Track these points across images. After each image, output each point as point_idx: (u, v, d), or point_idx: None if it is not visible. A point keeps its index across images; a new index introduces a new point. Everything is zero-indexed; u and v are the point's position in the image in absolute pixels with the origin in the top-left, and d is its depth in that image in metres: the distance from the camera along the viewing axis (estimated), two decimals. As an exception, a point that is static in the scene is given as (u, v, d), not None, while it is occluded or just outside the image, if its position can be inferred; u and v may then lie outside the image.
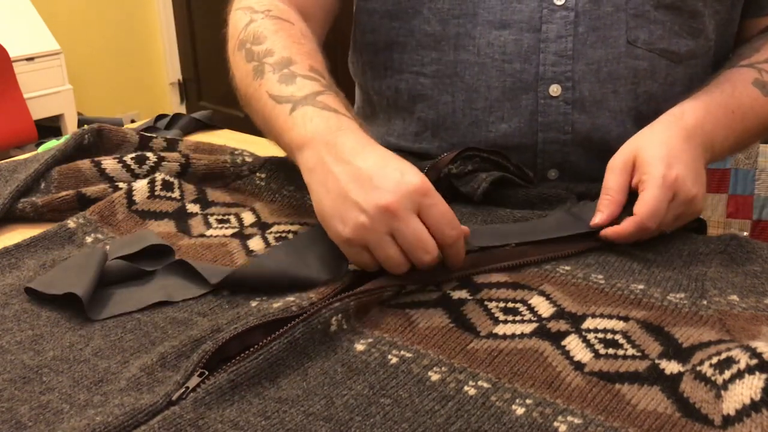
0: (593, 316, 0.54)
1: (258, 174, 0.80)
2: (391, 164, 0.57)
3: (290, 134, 0.64)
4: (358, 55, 0.90)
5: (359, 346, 0.51)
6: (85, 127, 0.84)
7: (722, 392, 0.44)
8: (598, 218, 0.65)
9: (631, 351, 0.50)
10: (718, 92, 0.73)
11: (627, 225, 0.63)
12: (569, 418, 0.44)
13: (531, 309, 0.55)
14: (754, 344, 0.46)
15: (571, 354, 0.50)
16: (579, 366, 0.49)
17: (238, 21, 0.78)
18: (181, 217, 0.73)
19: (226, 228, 0.71)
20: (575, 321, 0.54)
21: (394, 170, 0.56)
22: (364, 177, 0.56)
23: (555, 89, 0.76)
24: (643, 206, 0.63)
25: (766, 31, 0.81)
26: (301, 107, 0.64)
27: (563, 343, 0.51)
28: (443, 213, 0.56)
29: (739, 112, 0.72)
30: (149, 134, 0.88)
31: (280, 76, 0.68)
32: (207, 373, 0.47)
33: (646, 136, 0.68)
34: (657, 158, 0.64)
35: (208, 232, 0.71)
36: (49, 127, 2.72)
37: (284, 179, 0.79)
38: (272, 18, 0.76)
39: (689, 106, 0.71)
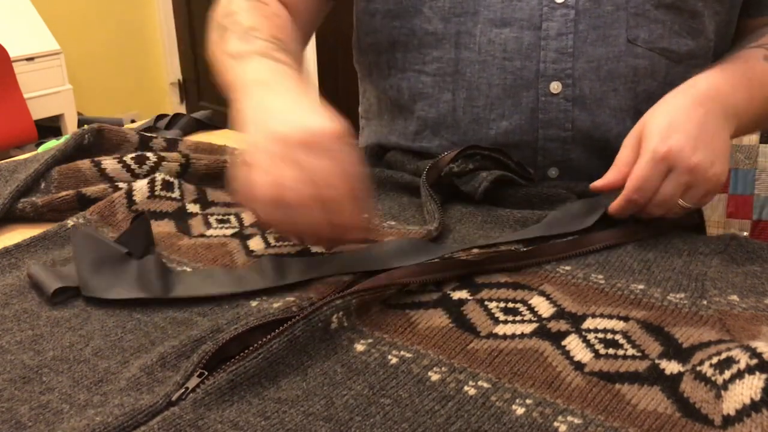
0: (593, 316, 0.54)
1: (258, 174, 0.80)
2: (267, 144, 0.56)
3: (230, 78, 0.67)
4: (364, 55, 0.90)
5: (359, 346, 0.51)
6: (85, 127, 0.84)
7: (722, 392, 0.44)
8: (598, 182, 0.67)
9: (631, 351, 0.50)
10: (730, 63, 0.73)
11: (617, 199, 0.66)
12: (569, 418, 0.44)
13: (531, 309, 0.55)
14: (754, 344, 0.46)
15: (571, 354, 0.50)
16: (579, 366, 0.49)
17: (218, 6, 0.81)
18: (181, 217, 0.73)
19: (226, 228, 0.71)
20: (575, 321, 0.54)
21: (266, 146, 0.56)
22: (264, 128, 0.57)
23: (555, 86, 0.76)
24: (629, 180, 0.65)
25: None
26: (249, 59, 0.67)
27: (563, 343, 0.51)
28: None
29: (756, 81, 0.73)
30: (149, 134, 0.88)
31: (239, 36, 0.71)
32: (206, 373, 0.47)
33: (656, 108, 0.68)
34: (654, 132, 0.64)
35: (209, 232, 0.71)
36: (49, 127, 2.73)
37: (284, 179, 0.79)
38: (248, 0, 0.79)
39: (703, 74, 0.71)
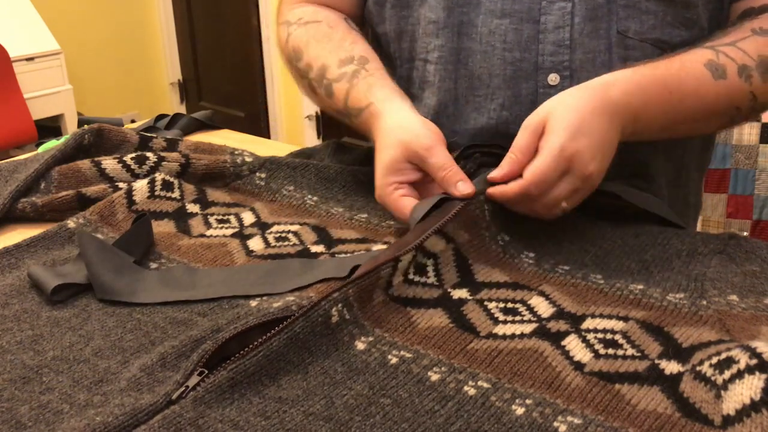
0: (593, 316, 0.54)
1: (258, 174, 0.80)
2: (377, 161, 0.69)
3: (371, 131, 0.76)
4: (373, 47, 0.90)
5: (360, 345, 0.51)
6: (85, 127, 0.84)
7: (722, 392, 0.45)
8: (495, 173, 0.64)
9: (630, 351, 0.50)
10: (662, 68, 0.70)
11: (512, 186, 0.63)
12: (569, 418, 0.44)
13: (530, 309, 0.55)
14: (754, 344, 0.46)
15: (571, 354, 0.50)
16: (579, 366, 0.49)
17: (280, 37, 0.88)
18: (181, 217, 0.73)
19: (226, 228, 0.71)
20: (575, 321, 0.54)
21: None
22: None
23: (553, 78, 0.77)
24: (530, 172, 0.62)
25: (744, 16, 0.80)
26: (366, 111, 0.75)
27: (563, 343, 0.51)
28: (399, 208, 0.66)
29: (678, 93, 0.70)
30: (149, 134, 0.88)
31: (325, 90, 0.80)
32: (207, 371, 0.47)
33: (564, 98, 0.66)
34: (562, 127, 0.62)
35: (208, 232, 0.71)
36: (49, 127, 2.73)
37: (284, 179, 0.79)
38: (302, 25, 0.84)
39: (622, 77, 0.68)
